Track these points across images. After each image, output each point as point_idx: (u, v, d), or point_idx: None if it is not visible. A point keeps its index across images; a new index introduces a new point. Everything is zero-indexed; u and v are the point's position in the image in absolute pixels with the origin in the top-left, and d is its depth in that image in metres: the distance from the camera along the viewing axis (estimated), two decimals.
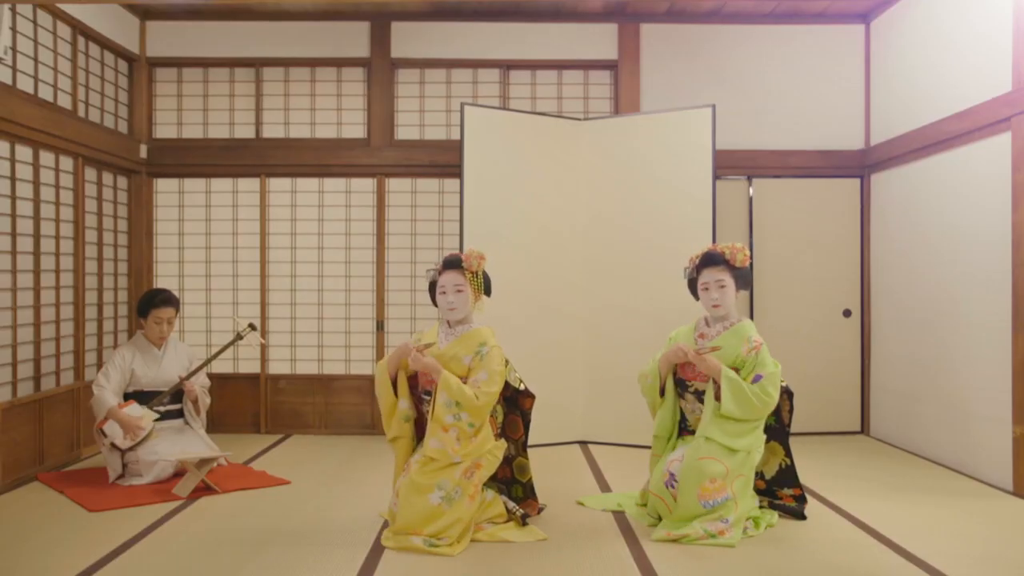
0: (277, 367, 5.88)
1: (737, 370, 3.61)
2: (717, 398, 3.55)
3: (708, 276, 3.71)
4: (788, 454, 3.83)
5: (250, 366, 5.86)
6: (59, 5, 4.80)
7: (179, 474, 4.28)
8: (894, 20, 5.49)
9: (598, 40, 5.86)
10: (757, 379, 3.56)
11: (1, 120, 4.26)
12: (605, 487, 4.34)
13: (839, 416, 5.83)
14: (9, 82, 4.43)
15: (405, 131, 5.93)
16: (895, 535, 3.49)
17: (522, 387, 3.73)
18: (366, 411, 5.80)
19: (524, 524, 3.55)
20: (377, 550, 3.31)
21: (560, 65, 5.91)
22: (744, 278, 3.73)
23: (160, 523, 3.66)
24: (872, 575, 3.05)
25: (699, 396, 3.71)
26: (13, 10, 4.41)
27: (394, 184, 5.88)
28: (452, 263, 3.63)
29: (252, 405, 5.85)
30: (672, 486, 3.54)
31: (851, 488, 4.28)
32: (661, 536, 3.44)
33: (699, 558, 3.23)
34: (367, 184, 5.89)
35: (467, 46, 5.86)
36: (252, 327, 4.67)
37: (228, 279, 5.89)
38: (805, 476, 4.33)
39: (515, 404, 3.76)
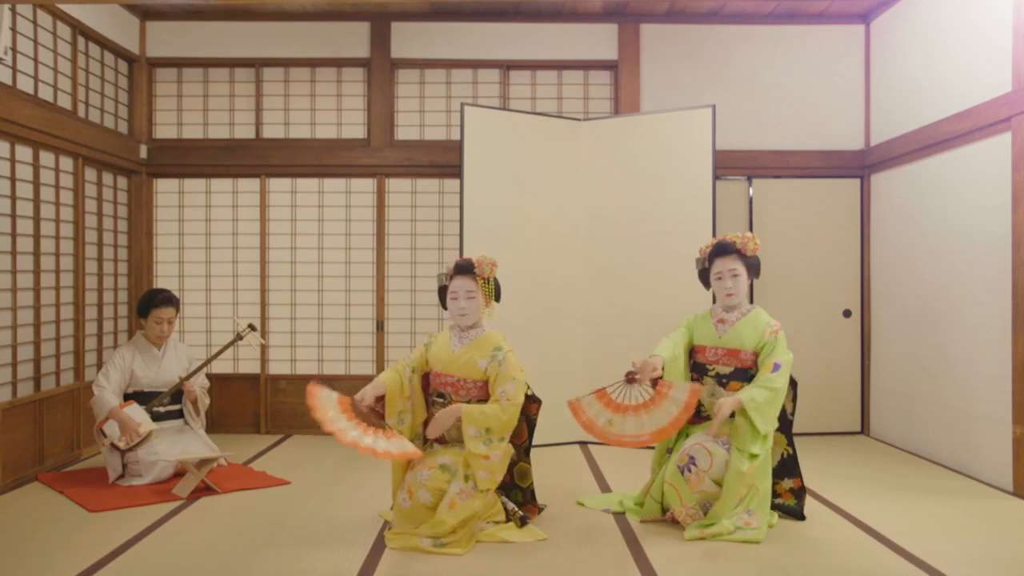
0: (277, 367, 5.88)
1: (757, 353, 3.69)
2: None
3: (721, 265, 3.74)
4: (791, 443, 3.84)
5: (250, 366, 5.86)
6: (59, 5, 4.80)
7: (179, 474, 4.28)
8: (894, 20, 5.49)
9: (598, 40, 5.86)
10: (776, 368, 3.60)
11: (1, 120, 4.26)
12: (605, 487, 4.34)
13: (839, 416, 5.83)
14: (9, 82, 4.43)
15: (405, 131, 5.93)
16: (895, 535, 3.49)
17: (529, 392, 3.73)
18: None
19: (523, 525, 3.55)
20: (377, 550, 3.31)
21: (560, 65, 5.91)
22: (755, 267, 3.77)
23: (160, 523, 3.66)
24: (872, 575, 3.06)
25: (720, 380, 3.74)
26: (13, 10, 4.41)
27: (394, 184, 5.88)
28: (464, 268, 3.63)
29: (252, 405, 5.85)
30: (690, 470, 3.56)
31: (851, 488, 4.29)
32: (694, 535, 3.45)
33: (699, 558, 3.23)
34: (367, 184, 5.89)
35: (467, 46, 5.86)
36: (252, 327, 4.67)
37: (228, 279, 5.89)
38: (805, 477, 4.32)
39: (521, 409, 3.75)
